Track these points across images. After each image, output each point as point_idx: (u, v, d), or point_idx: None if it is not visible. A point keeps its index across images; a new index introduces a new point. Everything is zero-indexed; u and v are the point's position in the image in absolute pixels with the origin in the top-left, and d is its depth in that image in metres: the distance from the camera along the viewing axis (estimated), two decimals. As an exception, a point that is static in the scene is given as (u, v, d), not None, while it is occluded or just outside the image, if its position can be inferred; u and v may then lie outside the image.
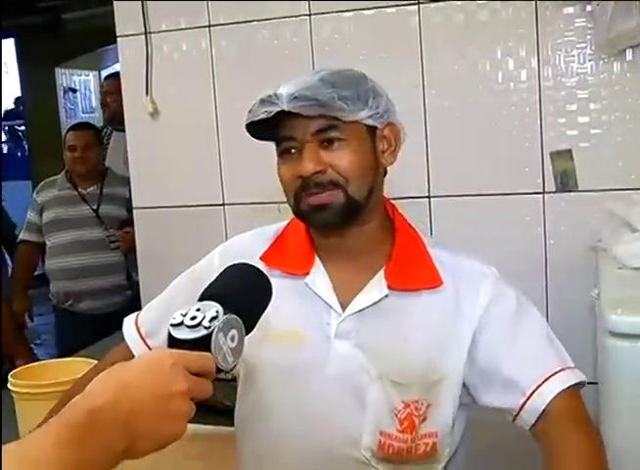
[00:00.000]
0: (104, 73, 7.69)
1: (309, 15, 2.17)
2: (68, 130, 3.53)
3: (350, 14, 2.14)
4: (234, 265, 0.95)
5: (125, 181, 3.30)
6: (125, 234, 3.18)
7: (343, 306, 1.20)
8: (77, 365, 1.54)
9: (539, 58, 1.99)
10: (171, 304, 1.27)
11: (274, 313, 0.95)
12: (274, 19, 2.20)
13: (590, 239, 1.88)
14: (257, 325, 0.90)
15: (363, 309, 1.18)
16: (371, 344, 1.17)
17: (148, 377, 0.74)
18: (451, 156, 2.09)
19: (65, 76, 7.42)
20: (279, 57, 2.19)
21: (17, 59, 7.83)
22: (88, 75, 7.70)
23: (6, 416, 1.48)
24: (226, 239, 2.35)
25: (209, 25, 2.28)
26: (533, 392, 1.14)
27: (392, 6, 2.09)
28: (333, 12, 2.15)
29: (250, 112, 1.15)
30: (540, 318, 1.23)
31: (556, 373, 1.15)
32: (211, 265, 1.28)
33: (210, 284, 0.89)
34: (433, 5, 2.06)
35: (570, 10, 1.96)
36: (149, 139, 2.40)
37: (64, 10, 6.65)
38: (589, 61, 1.96)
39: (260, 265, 1.21)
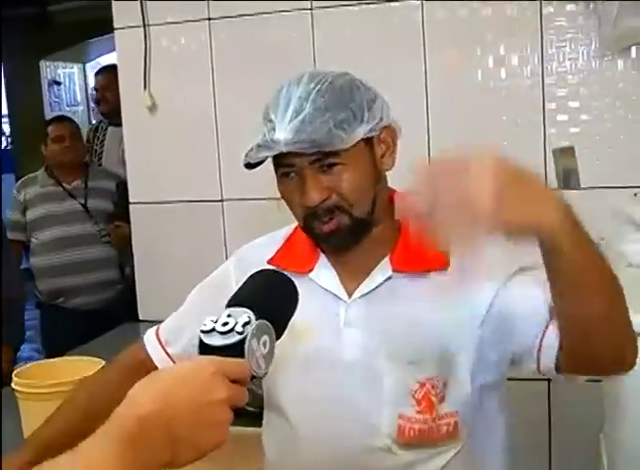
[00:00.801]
0: (88, 66, 7.65)
1: (311, 9, 2.15)
2: (48, 124, 3.47)
3: (352, 8, 2.12)
4: (260, 272, 0.94)
5: (109, 175, 3.28)
6: (116, 228, 3.14)
7: (350, 295, 1.21)
8: (81, 364, 1.51)
9: (543, 54, 1.99)
10: (189, 315, 1.31)
11: None
12: (275, 12, 2.18)
13: (593, 237, 1.88)
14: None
15: (368, 293, 1.19)
16: (381, 327, 1.18)
17: (189, 385, 0.73)
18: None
19: (49, 69, 7.34)
20: (280, 51, 2.16)
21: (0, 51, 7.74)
22: (73, 68, 7.63)
23: (9, 415, 1.46)
24: (224, 235, 2.38)
25: (209, 19, 2.25)
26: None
27: (396, 0, 2.08)
28: (335, 6, 2.13)
29: (246, 155, 1.14)
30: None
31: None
32: (227, 275, 1.30)
33: (237, 291, 0.88)
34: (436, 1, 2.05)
35: (573, 7, 1.96)
36: (146, 133, 2.37)
37: (49, 2, 6.59)
38: (593, 58, 1.96)
39: (269, 268, 1.21)
